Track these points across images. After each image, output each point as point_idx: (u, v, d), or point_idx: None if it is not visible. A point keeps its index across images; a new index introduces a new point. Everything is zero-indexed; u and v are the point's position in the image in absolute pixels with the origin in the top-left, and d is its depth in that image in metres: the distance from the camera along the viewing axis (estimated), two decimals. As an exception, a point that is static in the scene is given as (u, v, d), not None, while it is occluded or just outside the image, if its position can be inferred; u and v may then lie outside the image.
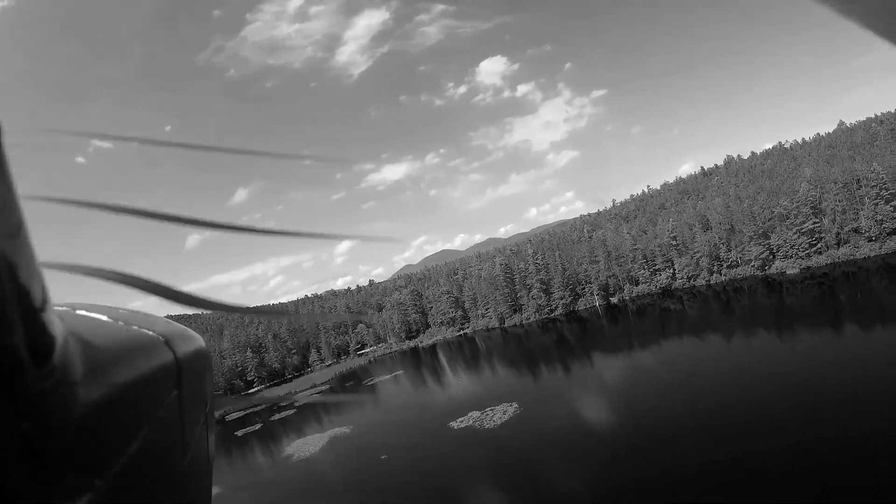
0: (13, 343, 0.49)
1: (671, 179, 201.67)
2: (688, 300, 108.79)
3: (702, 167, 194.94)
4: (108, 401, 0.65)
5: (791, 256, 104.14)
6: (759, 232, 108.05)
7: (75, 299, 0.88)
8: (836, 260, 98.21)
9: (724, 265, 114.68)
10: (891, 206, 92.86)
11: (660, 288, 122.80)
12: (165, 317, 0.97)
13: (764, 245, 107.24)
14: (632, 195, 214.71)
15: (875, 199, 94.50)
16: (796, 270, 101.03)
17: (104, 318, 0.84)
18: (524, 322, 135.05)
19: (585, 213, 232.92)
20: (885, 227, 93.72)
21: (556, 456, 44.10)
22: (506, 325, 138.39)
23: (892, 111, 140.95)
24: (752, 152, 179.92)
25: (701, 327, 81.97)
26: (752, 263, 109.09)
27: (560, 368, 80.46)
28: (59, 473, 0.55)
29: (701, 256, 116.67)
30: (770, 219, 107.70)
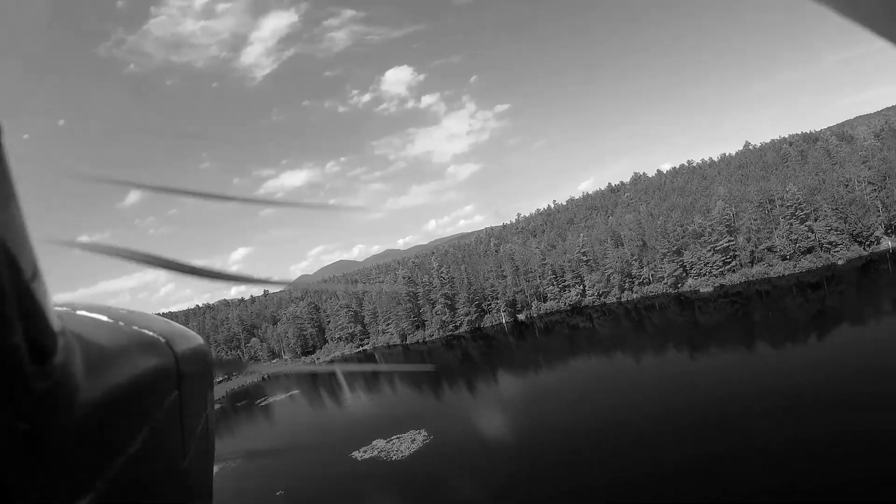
0: (14, 342, 0.49)
1: (574, 195, 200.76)
2: (598, 317, 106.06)
3: (609, 183, 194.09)
4: (109, 401, 0.65)
5: (704, 274, 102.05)
6: (673, 249, 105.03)
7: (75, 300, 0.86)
8: (750, 278, 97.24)
9: (636, 282, 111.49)
10: (805, 225, 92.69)
11: (569, 305, 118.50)
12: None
13: (677, 262, 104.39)
14: (538, 209, 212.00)
15: (790, 219, 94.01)
16: (710, 289, 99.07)
17: (104, 318, 0.83)
18: (427, 339, 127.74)
19: (487, 227, 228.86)
20: (799, 247, 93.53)
21: (474, 490, 41.15)
22: (408, 341, 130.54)
23: (800, 133, 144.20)
24: (659, 170, 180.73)
25: (610, 345, 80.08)
26: (665, 281, 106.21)
27: (467, 389, 76.02)
28: (59, 473, 0.54)
29: (612, 273, 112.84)
30: (683, 236, 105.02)
